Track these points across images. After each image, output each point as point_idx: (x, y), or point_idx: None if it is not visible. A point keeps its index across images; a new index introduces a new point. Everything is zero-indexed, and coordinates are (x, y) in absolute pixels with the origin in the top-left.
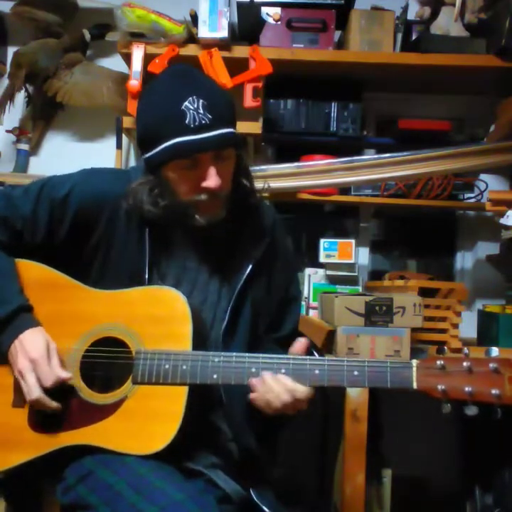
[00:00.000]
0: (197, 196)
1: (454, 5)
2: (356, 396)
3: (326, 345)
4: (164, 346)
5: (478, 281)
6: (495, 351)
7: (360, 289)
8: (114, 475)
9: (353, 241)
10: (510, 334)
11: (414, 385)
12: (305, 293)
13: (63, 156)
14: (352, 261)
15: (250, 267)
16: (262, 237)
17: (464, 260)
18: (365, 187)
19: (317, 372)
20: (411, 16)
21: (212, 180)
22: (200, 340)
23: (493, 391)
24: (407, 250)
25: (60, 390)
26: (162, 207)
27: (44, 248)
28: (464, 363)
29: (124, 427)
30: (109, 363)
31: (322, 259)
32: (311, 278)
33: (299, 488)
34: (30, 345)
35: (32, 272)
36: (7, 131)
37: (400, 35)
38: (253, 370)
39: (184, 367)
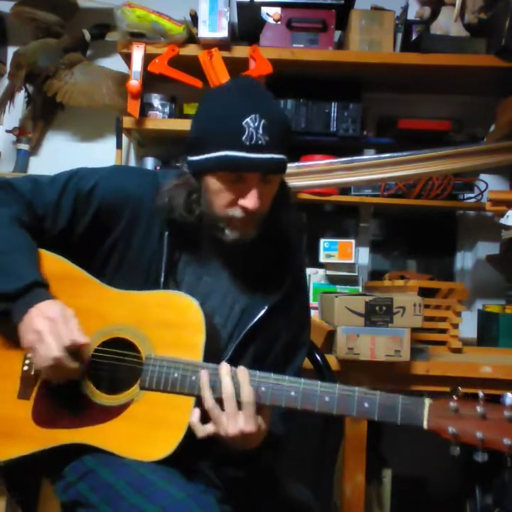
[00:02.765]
0: (232, 212)
1: (454, 5)
2: None
3: (326, 345)
4: (174, 353)
5: (478, 281)
6: (510, 398)
7: (360, 289)
8: (114, 474)
9: (353, 241)
10: (510, 334)
11: (425, 425)
12: None
13: (63, 156)
14: (352, 261)
15: (266, 308)
16: (282, 285)
17: (464, 260)
18: (365, 187)
19: (327, 399)
20: (411, 15)
21: (252, 201)
22: (211, 352)
23: (506, 441)
24: (407, 250)
25: (67, 387)
26: (197, 215)
27: (60, 242)
28: (478, 408)
29: (127, 431)
30: (117, 365)
31: (322, 259)
32: (311, 278)
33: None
34: (47, 309)
35: (50, 262)
36: (7, 131)
37: (399, 35)
38: (263, 388)
39: (193, 377)
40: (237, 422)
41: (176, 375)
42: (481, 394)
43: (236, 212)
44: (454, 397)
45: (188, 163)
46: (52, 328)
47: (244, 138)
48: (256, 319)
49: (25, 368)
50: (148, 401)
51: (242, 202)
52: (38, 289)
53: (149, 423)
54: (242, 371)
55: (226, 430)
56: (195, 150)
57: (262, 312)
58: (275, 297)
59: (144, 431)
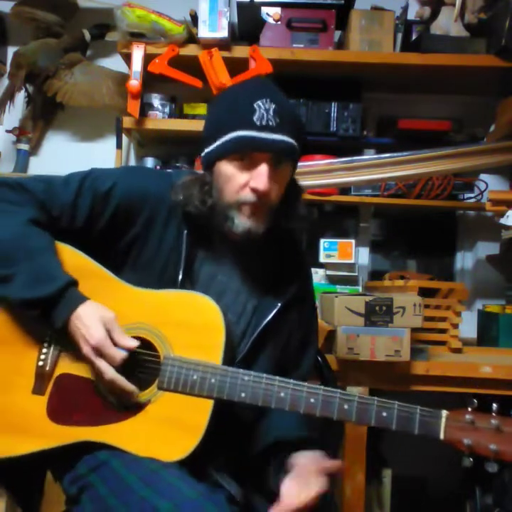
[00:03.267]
0: (243, 196)
1: (454, 5)
2: None
3: (326, 345)
4: (193, 354)
5: (478, 281)
6: None
7: (360, 289)
8: (126, 468)
9: (353, 241)
10: (510, 334)
11: (441, 436)
12: None
13: (63, 156)
14: (352, 261)
15: (279, 305)
16: (292, 285)
17: (464, 260)
18: (365, 187)
19: (346, 407)
20: (411, 15)
21: (262, 181)
22: (229, 356)
23: None
24: (407, 250)
25: (83, 383)
26: (209, 205)
27: (77, 238)
28: (493, 421)
29: (144, 431)
30: (135, 364)
31: (322, 259)
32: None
33: None
34: (87, 331)
35: (69, 257)
36: (7, 131)
37: (399, 35)
38: (282, 394)
39: (212, 380)
40: None
41: (195, 377)
42: (495, 406)
43: (247, 196)
44: (469, 408)
45: (203, 157)
46: (98, 355)
47: (255, 118)
48: (270, 316)
49: (41, 363)
50: (165, 402)
51: (252, 183)
52: (72, 289)
53: (167, 424)
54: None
55: None
56: (209, 141)
57: (275, 310)
58: (287, 295)
59: (160, 431)
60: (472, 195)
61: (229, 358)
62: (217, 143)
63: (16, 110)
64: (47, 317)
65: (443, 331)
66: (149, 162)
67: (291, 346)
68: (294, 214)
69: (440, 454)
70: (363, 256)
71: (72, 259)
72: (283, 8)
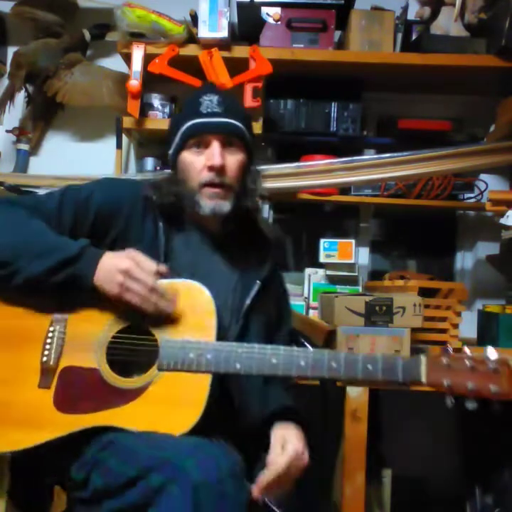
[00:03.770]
0: (203, 177)
1: (454, 5)
2: (356, 396)
3: (326, 345)
4: (189, 335)
5: (478, 281)
6: (491, 351)
7: (360, 289)
8: (133, 440)
9: (353, 241)
10: (510, 334)
11: (424, 380)
12: (305, 293)
13: (63, 156)
14: (352, 261)
15: (259, 283)
16: (266, 261)
17: (464, 260)
18: (365, 187)
19: (334, 365)
20: (411, 15)
21: (215, 158)
22: (221, 335)
23: (493, 388)
24: (407, 250)
25: (88, 372)
26: (174, 194)
27: None
28: (467, 362)
29: (147, 411)
30: (135, 350)
31: (322, 259)
32: (311, 278)
33: (298, 487)
34: (116, 259)
35: None
36: (7, 131)
37: (399, 35)
38: (274, 361)
39: (208, 356)
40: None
41: (191, 355)
42: (467, 350)
43: (207, 176)
44: (446, 353)
45: (169, 158)
46: (134, 265)
47: (201, 108)
48: (253, 294)
49: (45, 358)
50: (166, 382)
51: (207, 162)
52: (92, 247)
53: (169, 402)
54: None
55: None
56: (170, 141)
57: (257, 287)
58: (264, 273)
59: (164, 409)
60: (472, 195)
61: (221, 338)
62: (175, 141)
63: (16, 110)
64: (71, 278)
65: (443, 331)
66: (149, 162)
67: (271, 323)
68: (252, 193)
69: (440, 454)
70: (363, 256)
71: None
72: (283, 8)
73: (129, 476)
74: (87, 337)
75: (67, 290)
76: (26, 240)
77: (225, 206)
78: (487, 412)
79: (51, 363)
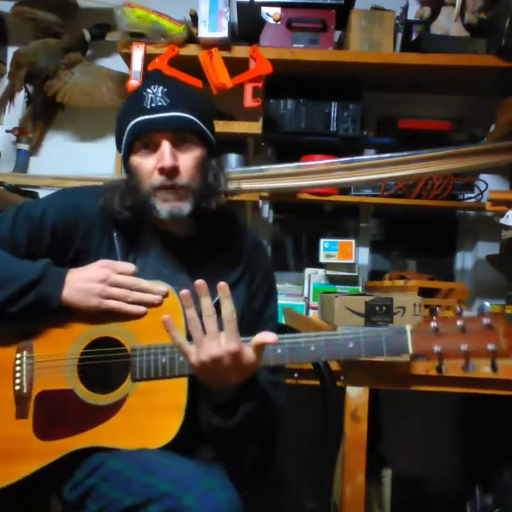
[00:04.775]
0: (155, 181)
1: (454, 5)
2: (356, 396)
3: None
4: (159, 339)
5: (478, 281)
6: (487, 307)
7: (360, 289)
8: (123, 462)
9: (353, 241)
10: None
11: (410, 350)
12: (305, 293)
13: (63, 156)
14: (352, 261)
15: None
16: (238, 263)
17: (464, 260)
18: (365, 187)
19: (313, 348)
20: (411, 15)
21: (164, 158)
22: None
23: (489, 346)
24: (407, 250)
25: (61, 394)
26: (128, 206)
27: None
28: (458, 322)
29: (129, 424)
30: (106, 363)
31: (322, 259)
32: (311, 278)
33: (298, 487)
34: (87, 272)
35: None
36: (7, 131)
37: (399, 35)
38: None
39: (181, 358)
40: (219, 343)
41: (164, 360)
42: (458, 309)
43: (158, 179)
44: (433, 317)
45: (121, 162)
46: (110, 272)
47: (144, 103)
48: (217, 298)
49: (17, 387)
50: (142, 391)
51: (158, 164)
52: (55, 266)
53: (149, 411)
54: (223, 287)
55: (209, 352)
56: (119, 144)
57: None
58: (233, 276)
59: (145, 420)
60: (472, 195)
61: (190, 338)
62: (123, 142)
63: (16, 110)
64: (36, 301)
65: None
66: None
67: (244, 324)
68: (215, 190)
69: (440, 454)
70: (363, 256)
71: None
72: (283, 8)
73: (125, 505)
74: (56, 358)
75: (28, 316)
76: None
77: (185, 208)
78: (488, 412)
79: (24, 390)
